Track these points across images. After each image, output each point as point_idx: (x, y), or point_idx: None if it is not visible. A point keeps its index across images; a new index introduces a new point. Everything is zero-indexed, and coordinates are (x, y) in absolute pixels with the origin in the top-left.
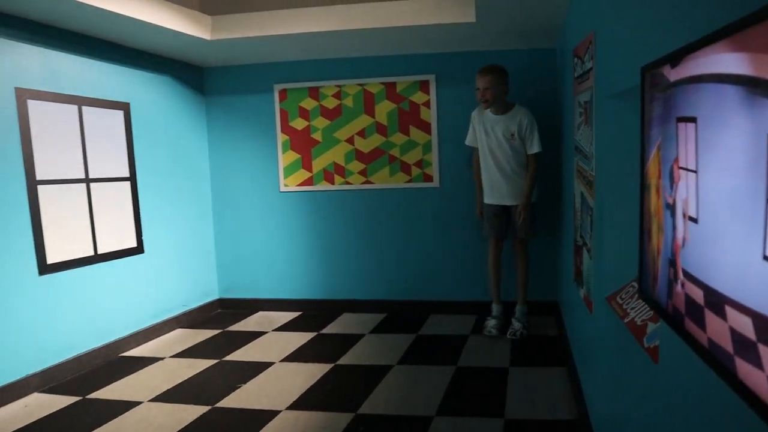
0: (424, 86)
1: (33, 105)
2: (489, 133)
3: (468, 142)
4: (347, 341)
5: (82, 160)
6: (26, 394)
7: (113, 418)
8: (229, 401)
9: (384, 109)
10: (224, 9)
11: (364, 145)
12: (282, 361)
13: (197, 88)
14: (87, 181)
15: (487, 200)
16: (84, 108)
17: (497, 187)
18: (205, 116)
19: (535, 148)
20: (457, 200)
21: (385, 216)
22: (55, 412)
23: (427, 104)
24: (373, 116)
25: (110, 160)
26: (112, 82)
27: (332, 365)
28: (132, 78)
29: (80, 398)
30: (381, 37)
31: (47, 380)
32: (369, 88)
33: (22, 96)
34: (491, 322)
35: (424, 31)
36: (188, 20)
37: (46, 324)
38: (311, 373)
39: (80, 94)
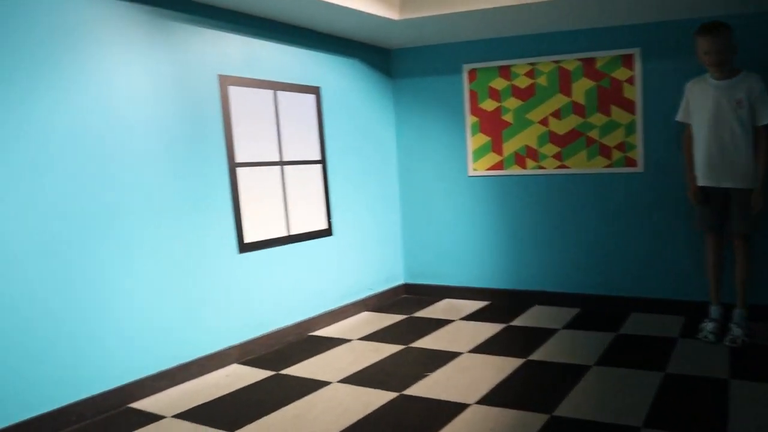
0: (627, 61)
1: (234, 91)
2: (709, 103)
3: (679, 117)
4: (539, 335)
5: (276, 144)
6: (227, 365)
7: (304, 396)
8: (416, 389)
9: (581, 87)
10: None
11: (560, 127)
12: (470, 351)
13: (385, 70)
14: (281, 163)
15: (701, 182)
16: (279, 93)
17: (716, 166)
18: (392, 99)
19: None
20: (664, 187)
21: (582, 203)
22: (252, 384)
23: (630, 81)
24: (570, 95)
25: (302, 143)
26: (304, 67)
27: (524, 360)
28: (322, 62)
29: (275, 373)
30: (579, 8)
31: (245, 353)
32: (565, 65)
33: (225, 82)
34: (708, 326)
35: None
36: (377, 1)
37: (244, 300)
38: (501, 366)
39: (275, 79)
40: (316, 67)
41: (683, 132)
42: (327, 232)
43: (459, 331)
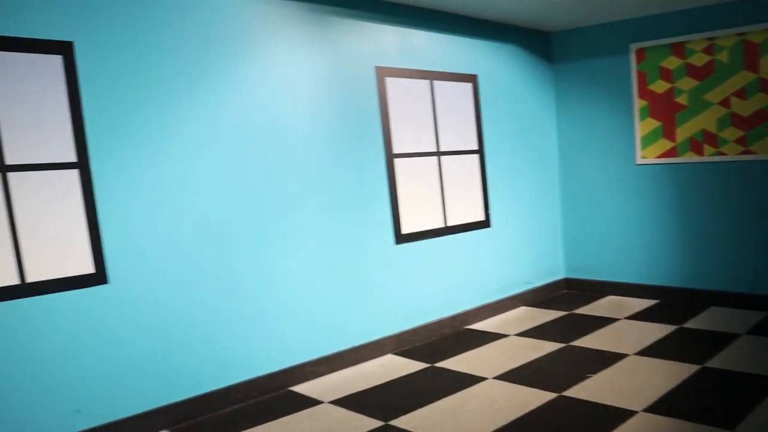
0: None
1: (390, 82)
2: None
3: None
4: (717, 340)
5: (433, 134)
6: (382, 354)
7: (459, 390)
8: (577, 391)
9: None
10: None
11: (744, 108)
12: (637, 354)
13: (544, 55)
14: (438, 154)
15: None
16: (435, 82)
17: None
18: (552, 84)
19: None
20: None
21: None
22: (407, 375)
23: None
24: (757, 71)
25: (459, 133)
26: (460, 55)
27: (699, 367)
28: (478, 49)
29: (429, 365)
30: None
31: (401, 344)
32: (750, 37)
33: (381, 74)
34: None
35: None
36: None
37: (400, 291)
38: (673, 372)
39: (431, 69)
40: (472, 55)
41: None
42: (485, 224)
43: (624, 331)
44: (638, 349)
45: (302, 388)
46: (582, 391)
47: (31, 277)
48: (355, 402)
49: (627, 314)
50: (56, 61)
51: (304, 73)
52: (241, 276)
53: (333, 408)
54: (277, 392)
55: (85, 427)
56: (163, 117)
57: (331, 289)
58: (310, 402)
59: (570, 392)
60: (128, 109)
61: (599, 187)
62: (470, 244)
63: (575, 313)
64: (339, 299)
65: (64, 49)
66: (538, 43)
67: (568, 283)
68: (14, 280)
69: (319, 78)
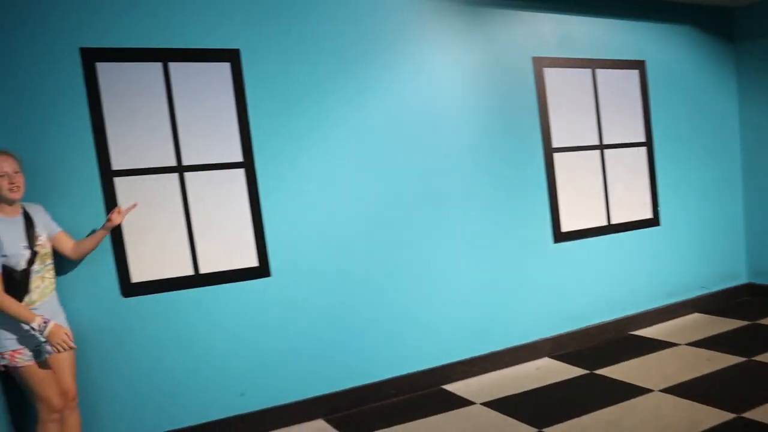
0: None
1: (549, 73)
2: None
3: None
4: None
5: (595, 126)
6: (538, 357)
7: (621, 401)
8: (759, 414)
9: None
10: None
11: None
12: None
13: (724, 34)
14: (600, 147)
15: None
16: (597, 71)
17: None
18: (734, 67)
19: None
20: None
21: None
22: (564, 381)
23: None
24: None
25: (624, 124)
26: (624, 40)
27: None
28: (646, 33)
29: (588, 372)
30: None
31: (558, 347)
32: None
33: (539, 64)
34: None
35: None
36: None
37: (558, 292)
38: None
39: (593, 57)
40: (639, 40)
41: None
42: (653, 222)
43: None
44: None
45: (454, 387)
46: (765, 414)
47: (204, 269)
48: (508, 405)
49: None
50: (225, 68)
51: (459, 67)
52: (394, 273)
53: (484, 410)
54: (429, 390)
55: (248, 411)
56: (320, 118)
57: (485, 288)
58: (462, 402)
59: (750, 414)
60: (288, 111)
61: None
62: (636, 243)
63: (759, 324)
64: (493, 298)
65: (231, 56)
66: (717, 21)
67: (751, 289)
68: (189, 271)
69: (474, 72)
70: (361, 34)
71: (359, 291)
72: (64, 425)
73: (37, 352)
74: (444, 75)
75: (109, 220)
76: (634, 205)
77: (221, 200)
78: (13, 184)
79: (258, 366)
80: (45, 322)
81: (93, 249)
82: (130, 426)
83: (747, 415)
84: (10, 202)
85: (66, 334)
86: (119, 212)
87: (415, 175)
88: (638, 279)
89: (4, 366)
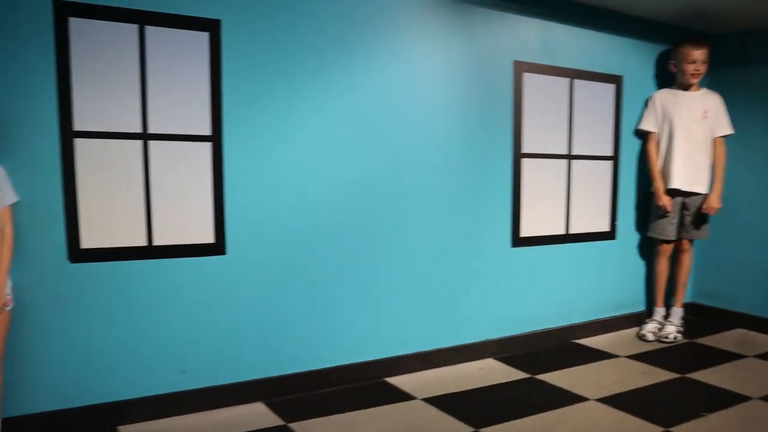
0: None
1: (528, 78)
2: (682, 112)
3: (647, 126)
4: None
5: (566, 136)
6: (483, 357)
7: (557, 407)
8: (687, 429)
9: None
10: None
11: None
12: (762, 398)
13: None
14: (569, 157)
15: (676, 185)
16: (575, 81)
17: (688, 172)
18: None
19: (728, 128)
20: None
21: None
22: (504, 383)
23: None
24: None
25: (595, 137)
26: (604, 54)
27: None
28: (626, 49)
29: (530, 376)
30: None
31: (503, 349)
32: None
33: (519, 69)
34: (650, 326)
35: None
36: None
37: (510, 295)
38: None
39: (573, 67)
40: (618, 55)
41: (647, 140)
42: (609, 235)
43: (750, 370)
44: (763, 393)
45: (398, 381)
46: (692, 430)
47: (158, 241)
48: (447, 402)
49: (757, 352)
50: (203, 38)
51: (440, 62)
52: (351, 262)
53: (425, 406)
54: (373, 381)
55: (188, 388)
56: (297, 102)
57: (439, 284)
58: (403, 396)
59: (677, 429)
60: (265, 92)
61: (745, 205)
62: (591, 254)
63: (696, 343)
64: (446, 295)
65: (211, 26)
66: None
67: (693, 309)
68: (142, 242)
69: (454, 69)
70: (346, 20)
71: (315, 277)
72: None
73: None
74: (424, 69)
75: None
76: (593, 217)
77: (184, 173)
78: None
79: (203, 344)
80: None
81: None
82: (64, 395)
83: (674, 429)
84: None
85: None
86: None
87: (384, 167)
88: (589, 289)
89: None
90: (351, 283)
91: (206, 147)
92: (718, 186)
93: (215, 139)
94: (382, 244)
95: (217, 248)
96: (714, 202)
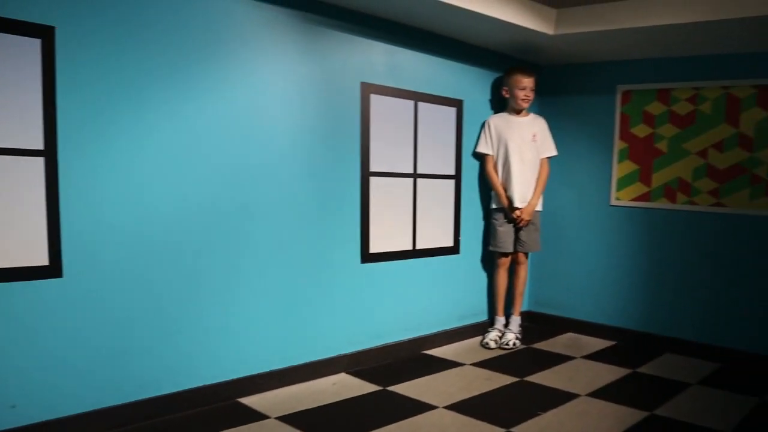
0: None
1: (375, 99)
2: (515, 136)
3: (483, 149)
4: (669, 388)
5: (412, 155)
6: (336, 373)
7: (408, 417)
8: (526, 428)
9: (752, 117)
10: (569, 1)
11: (720, 160)
12: (588, 395)
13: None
14: (414, 176)
15: (516, 204)
16: (420, 103)
17: (523, 190)
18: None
19: (553, 150)
20: None
21: (738, 247)
22: (357, 396)
23: None
24: (737, 126)
25: (439, 157)
26: (446, 79)
27: (648, 414)
28: (467, 74)
29: (382, 388)
30: (758, 29)
31: (355, 363)
32: (735, 91)
33: (367, 90)
34: (493, 334)
35: None
36: (532, 14)
37: (361, 310)
38: (621, 417)
39: (417, 90)
40: (460, 80)
41: (484, 162)
42: (454, 250)
43: (579, 370)
44: (590, 390)
45: (251, 401)
46: (530, 428)
47: None
48: (302, 420)
49: (584, 353)
50: (34, 44)
51: (289, 80)
52: (200, 280)
53: (279, 424)
54: (225, 402)
55: (21, 424)
56: (139, 116)
57: (289, 302)
58: (257, 416)
59: (518, 429)
60: (104, 103)
61: (573, 223)
62: (437, 269)
63: (533, 348)
64: (297, 312)
65: (44, 33)
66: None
67: (530, 317)
68: None
69: (304, 87)
70: (193, 35)
71: (161, 298)
72: None
73: None
74: (274, 88)
75: None
76: (438, 233)
77: (13, 191)
78: None
79: (37, 375)
80: None
81: None
82: None
83: (514, 429)
84: None
85: None
86: None
87: (232, 185)
88: (435, 302)
89: None
90: (199, 303)
91: (38, 162)
92: (534, 201)
93: (49, 153)
94: (230, 262)
95: (52, 271)
96: (525, 214)
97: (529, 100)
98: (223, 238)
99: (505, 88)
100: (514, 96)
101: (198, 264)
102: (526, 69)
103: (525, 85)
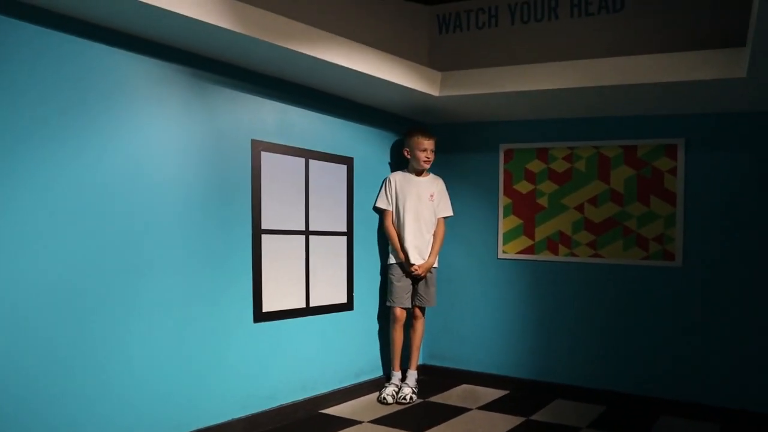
0: (670, 151)
1: (266, 156)
2: (414, 194)
3: (382, 205)
4: None
5: (303, 213)
6: None
7: None
8: None
9: (621, 175)
10: (454, 65)
11: (596, 215)
12: None
13: None
14: (306, 233)
15: (412, 260)
16: (311, 161)
17: (419, 247)
18: None
19: (449, 211)
20: (703, 283)
21: (615, 295)
22: None
23: (672, 172)
24: (608, 183)
25: (330, 214)
26: (336, 137)
27: None
28: (357, 133)
29: None
30: (624, 95)
31: (251, 426)
32: (605, 151)
33: (257, 147)
34: (389, 389)
35: (677, 89)
36: (419, 76)
37: (255, 371)
38: None
39: (308, 148)
40: (350, 138)
41: (383, 217)
42: (348, 306)
43: (475, 421)
44: None
45: None
46: None
47: None
48: None
49: (479, 404)
50: None
51: (177, 137)
52: (83, 347)
53: None
54: None
55: None
56: (18, 168)
57: (180, 365)
58: None
59: None
60: None
61: (463, 277)
62: (332, 326)
63: (429, 401)
64: (189, 375)
65: None
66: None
67: (424, 370)
68: None
69: (192, 144)
70: (74, 89)
71: (37, 368)
72: None
73: None
74: (162, 144)
75: None
76: (332, 290)
77: None
78: None
79: None
80: None
81: None
82: None
83: None
84: None
85: None
86: None
87: (117, 243)
88: (331, 359)
89: None
90: (83, 370)
91: None
92: (431, 259)
93: None
94: (114, 325)
95: None
96: (420, 269)
97: (430, 161)
98: (110, 302)
99: (406, 149)
100: (415, 157)
101: (80, 327)
102: (426, 131)
103: (426, 147)
